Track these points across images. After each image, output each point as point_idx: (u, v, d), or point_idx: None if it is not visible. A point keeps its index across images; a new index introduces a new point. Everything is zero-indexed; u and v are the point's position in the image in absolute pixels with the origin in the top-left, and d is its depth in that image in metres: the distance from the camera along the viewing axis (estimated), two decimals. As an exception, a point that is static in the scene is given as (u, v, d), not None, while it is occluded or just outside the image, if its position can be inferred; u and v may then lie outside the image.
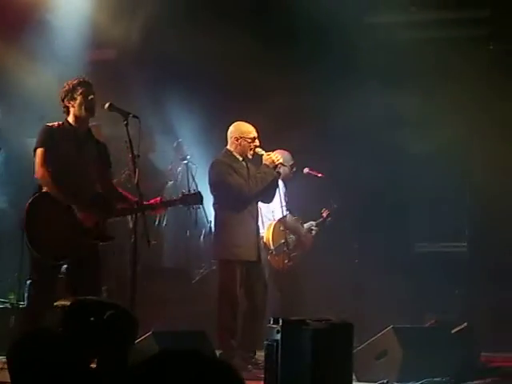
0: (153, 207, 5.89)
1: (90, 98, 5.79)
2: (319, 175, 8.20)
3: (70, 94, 5.79)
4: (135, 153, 5.67)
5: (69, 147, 5.77)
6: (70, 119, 5.83)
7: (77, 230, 5.61)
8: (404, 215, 9.36)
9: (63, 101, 5.83)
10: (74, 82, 5.82)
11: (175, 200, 6.05)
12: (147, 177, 7.25)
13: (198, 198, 6.03)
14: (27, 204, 5.65)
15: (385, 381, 5.70)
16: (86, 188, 5.76)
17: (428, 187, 9.20)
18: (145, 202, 5.73)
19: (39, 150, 5.71)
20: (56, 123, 5.82)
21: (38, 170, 5.69)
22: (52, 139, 5.74)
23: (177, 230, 9.22)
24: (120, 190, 6.02)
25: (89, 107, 5.81)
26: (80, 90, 5.78)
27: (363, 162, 9.25)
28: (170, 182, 9.17)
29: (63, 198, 5.63)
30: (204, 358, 1.89)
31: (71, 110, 5.80)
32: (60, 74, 7.57)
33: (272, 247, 7.73)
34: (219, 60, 8.95)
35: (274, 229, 7.79)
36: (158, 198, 6.04)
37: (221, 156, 7.00)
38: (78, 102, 5.77)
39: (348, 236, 9.10)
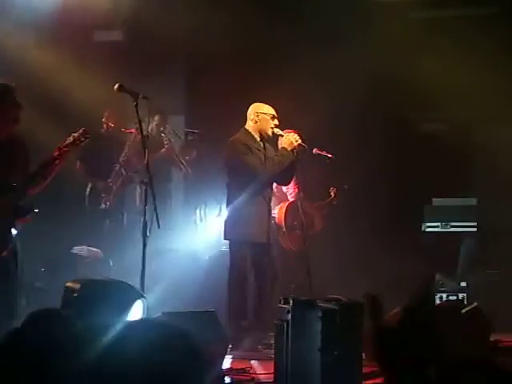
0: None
1: (19, 108, 5.43)
2: (329, 155, 8.16)
3: None
4: (144, 133, 5.67)
5: None
6: None
7: None
8: (413, 195, 9.33)
9: None
10: (3, 88, 5.42)
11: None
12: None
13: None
14: None
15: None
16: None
17: (437, 167, 9.16)
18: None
19: None
20: None
21: None
22: None
23: (186, 210, 9.23)
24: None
25: (17, 119, 5.46)
26: (10, 99, 5.41)
27: (373, 141, 9.21)
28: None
29: None
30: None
31: None
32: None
33: (284, 227, 7.71)
34: (230, 41, 8.90)
35: (286, 209, 7.78)
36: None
37: (238, 135, 6.90)
38: (7, 112, 5.40)
39: (357, 216, 9.08)
